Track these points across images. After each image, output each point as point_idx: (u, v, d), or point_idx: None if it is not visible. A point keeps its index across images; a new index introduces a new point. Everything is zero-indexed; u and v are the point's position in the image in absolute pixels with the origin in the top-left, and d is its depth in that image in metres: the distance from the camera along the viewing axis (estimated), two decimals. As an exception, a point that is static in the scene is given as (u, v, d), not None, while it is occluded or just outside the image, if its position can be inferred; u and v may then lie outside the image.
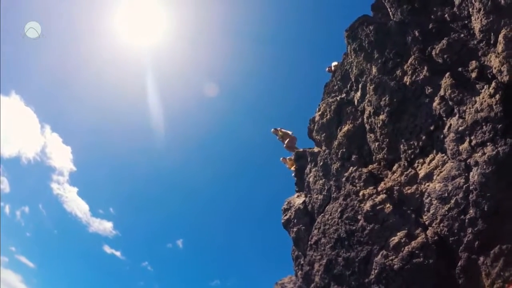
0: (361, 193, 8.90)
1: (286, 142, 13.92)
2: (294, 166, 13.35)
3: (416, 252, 6.84)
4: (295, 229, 11.93)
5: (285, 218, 12.69)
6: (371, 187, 8.76)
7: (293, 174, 13.46)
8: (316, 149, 12.26)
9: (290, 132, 14.19)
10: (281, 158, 14.44)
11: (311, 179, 11.97)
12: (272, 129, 14.64)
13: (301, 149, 13.14)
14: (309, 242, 10.67)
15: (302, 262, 11.26)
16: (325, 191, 10.95)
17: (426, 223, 7.09)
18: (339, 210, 9.41)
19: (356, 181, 9.31)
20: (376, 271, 7.51)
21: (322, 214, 10.49)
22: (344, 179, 9.83)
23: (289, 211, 12.63)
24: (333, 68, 12.82)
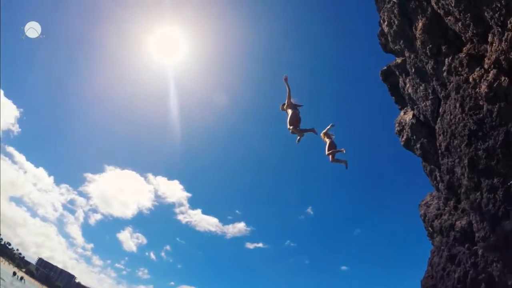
0: (470, 79, 8.82)
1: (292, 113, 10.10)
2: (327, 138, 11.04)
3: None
4: (418, 145, 12.25)
5: (403, 139, 13.03)
6: (477, 68, 8.63)
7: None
8: (399, 60, 12.25)
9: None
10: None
11: (409, 90, 12.08)
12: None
13: (385, 66, 13.20)
14: (439, 151, 10.92)
15: (438, 174, 11.58)
16: (430, 94, 11.04)
17: (550, 79, 6.93)
18: (457, 105, 9.44)
19: (459, 69, 9.24)
20: (521, 148, 7.62)
21: (439, 118, 10.61)
22: (445, 73, 9.80)
23: (404, 130, 12.92)
24: None
